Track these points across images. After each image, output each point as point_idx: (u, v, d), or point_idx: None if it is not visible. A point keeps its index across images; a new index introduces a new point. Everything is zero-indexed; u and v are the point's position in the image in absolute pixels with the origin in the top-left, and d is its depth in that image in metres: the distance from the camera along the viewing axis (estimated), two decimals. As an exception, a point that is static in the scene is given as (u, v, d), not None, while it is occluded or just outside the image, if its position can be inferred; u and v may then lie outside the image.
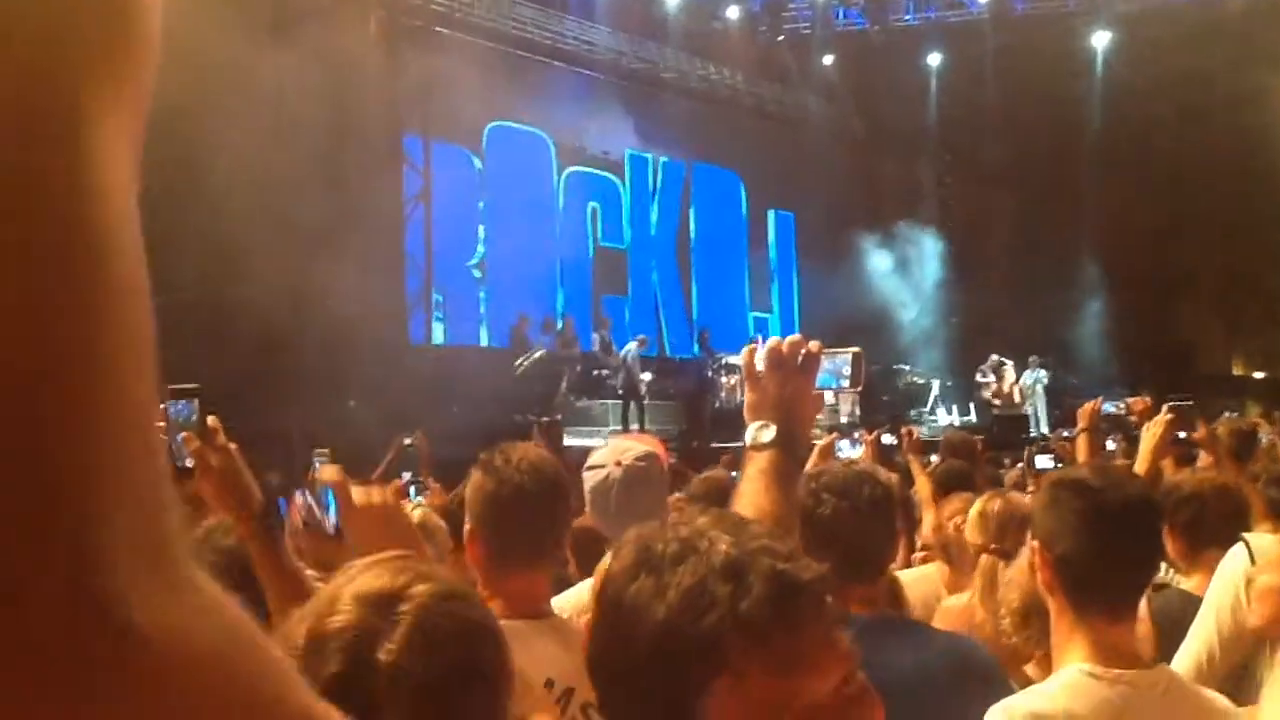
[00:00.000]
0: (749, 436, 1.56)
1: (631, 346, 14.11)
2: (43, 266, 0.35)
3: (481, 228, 15.57)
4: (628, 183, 17.94)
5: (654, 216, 18.41)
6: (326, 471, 1.48)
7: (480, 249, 15.58)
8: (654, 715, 0.95)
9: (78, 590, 0.34)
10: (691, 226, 18.90)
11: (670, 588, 0.94)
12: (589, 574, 2.68)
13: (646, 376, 14.07)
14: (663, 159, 18.30)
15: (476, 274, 15.62)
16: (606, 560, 1.02)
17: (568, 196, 16.93)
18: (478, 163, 15.63)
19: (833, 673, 0.94)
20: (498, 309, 15.23)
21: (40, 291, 0.35)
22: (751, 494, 1.50)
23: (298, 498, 1.52)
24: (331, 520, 1.49)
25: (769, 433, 1.54)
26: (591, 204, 17.30)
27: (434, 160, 14.62)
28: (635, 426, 12.93)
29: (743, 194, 19.60)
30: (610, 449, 2.61)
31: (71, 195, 0.36)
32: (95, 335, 0.36)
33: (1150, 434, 3.50)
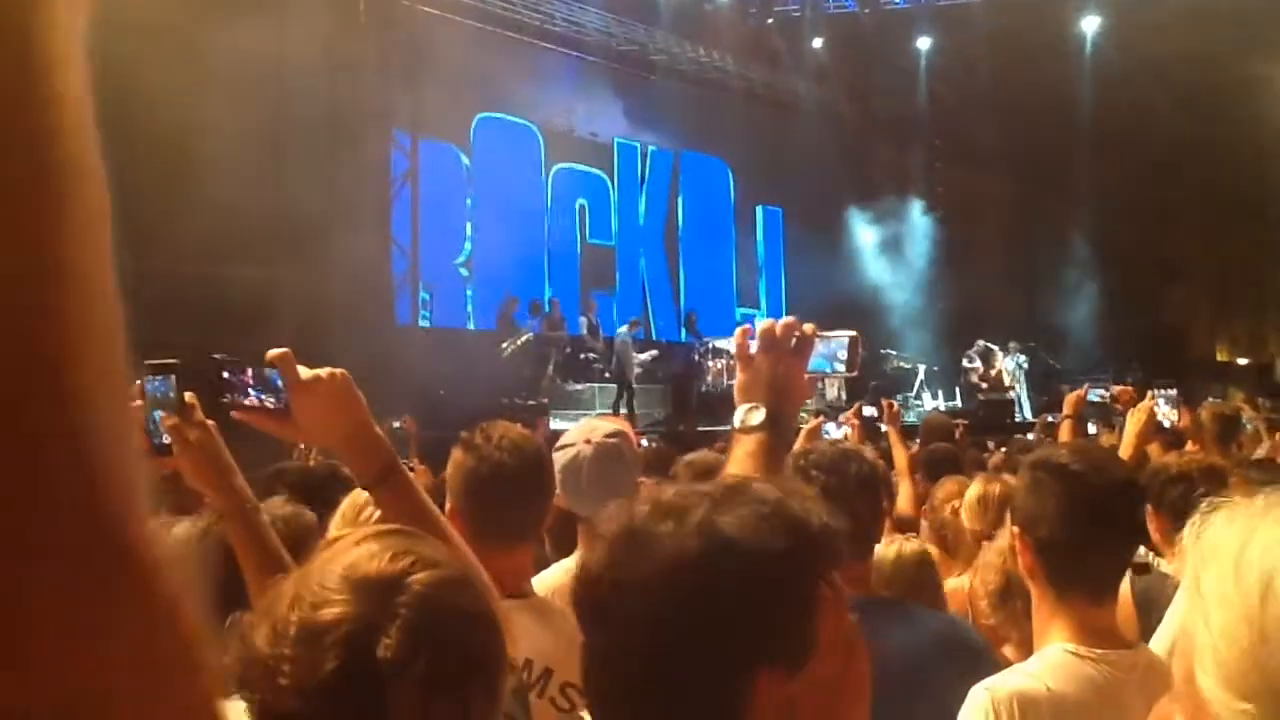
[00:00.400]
0: (738, 418, 1.54)
1: (622, 331, 14.08)
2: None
3: (469, 225, 15.44)
4: (616, 172, 17.84)
5: (642, 206, 18.32)
6: (274, 352, 1.45)
7: (467, 246, 15.46)
8: (739, 659, 0.91)
9: (90, 505, 0.35)
10: (680, 216, 18.83)
11: (762, 508, 0.93)
12: (564, 554, 2.69)
13: (643, 356, 14.05)
14: (651, 147, 18.20)
15: (464, 272, 15.50)
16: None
17: (556, 193, 16.83)
18: (465, 159, 15.49)
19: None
20: (485, 307, 15.10)
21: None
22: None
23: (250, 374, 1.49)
24: (278, 401, 1.46)
25: (758, 415, 1.52)
26: (580, 200, 17.21)
27: (421, 156, 14.48)
28: (624, 411, 12.90)
29: (730, 182, 19.53)
30: (580, 428, 2.62)
31: (23, 73, 0.35)
32: (57, 217, 0.35)
33: (1134, 419, 3.52)
